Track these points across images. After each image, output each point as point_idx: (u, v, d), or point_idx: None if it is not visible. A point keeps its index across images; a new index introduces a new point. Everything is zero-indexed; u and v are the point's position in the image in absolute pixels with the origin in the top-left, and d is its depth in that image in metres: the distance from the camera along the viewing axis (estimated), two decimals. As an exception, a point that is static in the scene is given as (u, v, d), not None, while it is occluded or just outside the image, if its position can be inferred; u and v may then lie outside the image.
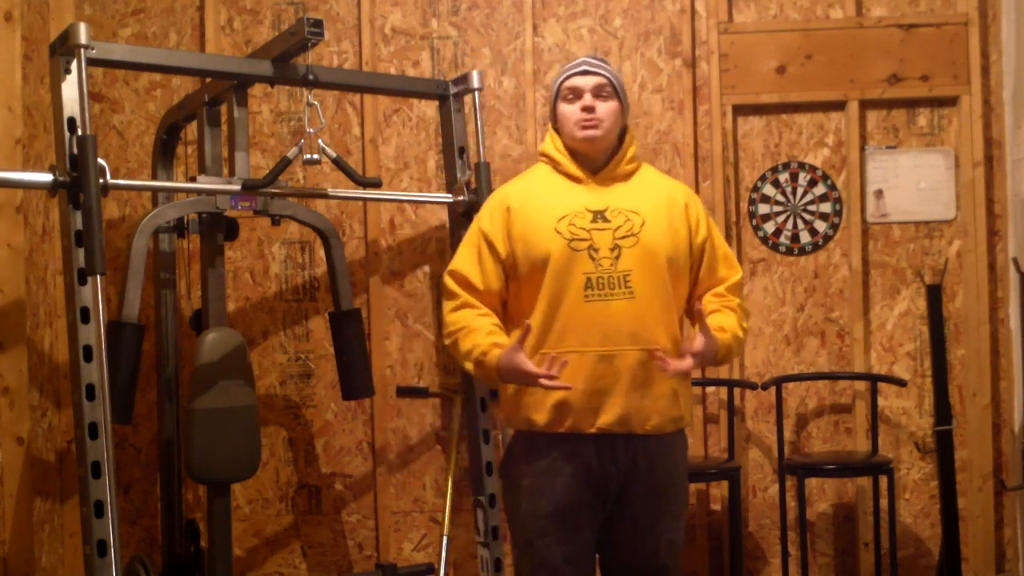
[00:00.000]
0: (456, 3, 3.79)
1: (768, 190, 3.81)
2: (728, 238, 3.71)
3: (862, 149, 3.78)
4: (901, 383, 3.68)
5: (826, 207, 3.80)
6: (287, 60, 3.00)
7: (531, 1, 3.76)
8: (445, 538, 3.53)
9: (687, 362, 2.33)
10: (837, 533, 3.79)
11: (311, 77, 2.99)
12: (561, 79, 2.51)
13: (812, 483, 3.74)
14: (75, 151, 2.56)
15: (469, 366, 2.42)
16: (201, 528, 3.36)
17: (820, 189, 3.80)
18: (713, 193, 3.72)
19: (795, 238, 3.81)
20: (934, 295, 3.71)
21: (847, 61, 3.75)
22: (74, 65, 2.60)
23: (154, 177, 3.51)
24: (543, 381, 2.27)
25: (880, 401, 3.75)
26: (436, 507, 3.73)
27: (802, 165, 3.81)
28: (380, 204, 3.72)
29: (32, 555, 3.14)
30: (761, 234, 3.81)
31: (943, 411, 3.66)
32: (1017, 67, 3.68)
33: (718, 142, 3.75)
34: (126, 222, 3.70)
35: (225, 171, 3.14)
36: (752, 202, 3.81)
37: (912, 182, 3.79)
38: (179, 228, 3.26)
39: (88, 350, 2.59)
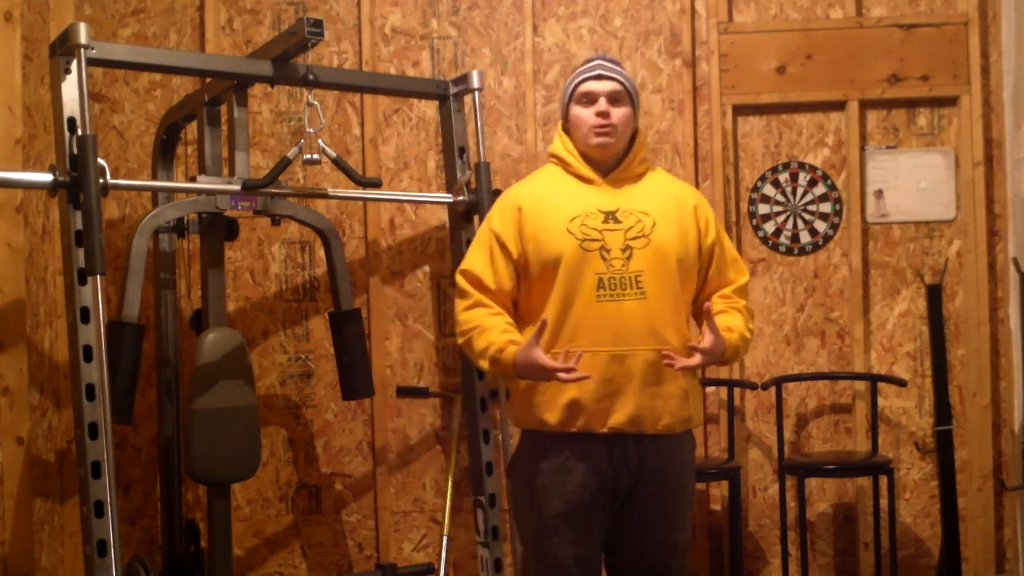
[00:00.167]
0: (456, 3, 3.79)
1: (768, 190, 3.81)
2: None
3: (862, 149, 3.78)
4: (901, 383, 3.68)
5: (826, 207, 3.80)
6: (287, 60, 3.00)
7: (531, 1, 3.76)
8: (445, 538, 3.53)
9: (695, 359, 2.33)
10: (837, 533, 3.79)
11: (311, 77, 2.99)
12: (576, 82, 2.50)
13: (812, 483, 3.74)
14: (75, 151, 2.56)
15: (484, 364, 2.41)
16: (201, 528, 3.36)
17: (820, 189, 3.80)
18: (713, 193, 3.72)
19: (795, 238, 3.81)
20: (934, 295, 3.71)
21: (847, 61, 3.75)
22: (74, 65, 2.60)
23: (154, 177, 3.51)
24: (561, 375, 2.26)
25: (880, 401, 3.75)
26: (436, 507, 3.73)
27: (802, 165, 3.81)
28: (380, 204, 3.72)
29: (32, 555, 3.14)
30: (761, 234, 3.81)
31: (943, 411, 3.66)
32: (1017, 67, 3.68)
33: (718, 142, 3.74)
34: (126, 222, 3.70)
35: (225, 171, 3.14)
36: (752, 202, 3.81)
37: (912, 182, 3.78)
38: (179, 228, 3.26)
39: (88, 350, 2.60)
